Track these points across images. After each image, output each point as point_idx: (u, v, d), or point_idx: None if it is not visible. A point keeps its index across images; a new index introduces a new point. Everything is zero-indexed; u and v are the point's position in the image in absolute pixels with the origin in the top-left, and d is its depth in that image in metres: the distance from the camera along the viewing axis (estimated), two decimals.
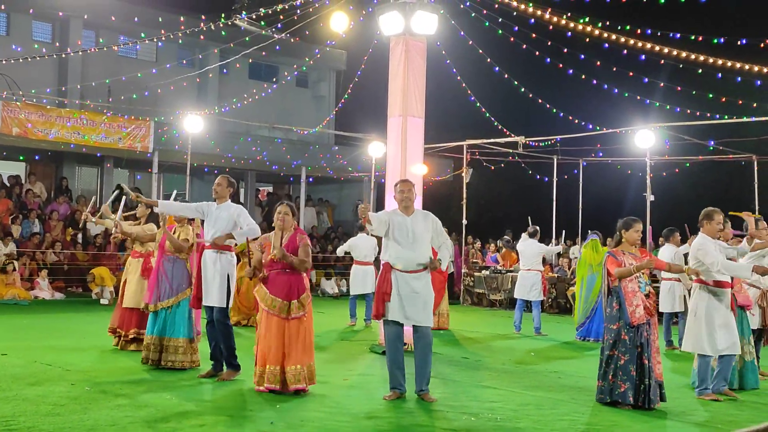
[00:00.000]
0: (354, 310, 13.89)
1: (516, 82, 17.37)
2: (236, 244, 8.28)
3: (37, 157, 21.55)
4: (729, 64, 14.91)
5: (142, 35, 19.50)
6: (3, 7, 19.41)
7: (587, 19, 14.59)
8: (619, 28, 14.67)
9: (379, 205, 13.23)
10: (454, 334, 13.05)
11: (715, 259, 7.65)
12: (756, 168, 18.74)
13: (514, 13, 14.25)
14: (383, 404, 7.09)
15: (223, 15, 16.54)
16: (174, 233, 8.65)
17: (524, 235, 14.00)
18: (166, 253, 8.62)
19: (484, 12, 14.26)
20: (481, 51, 15.65)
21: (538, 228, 13.86)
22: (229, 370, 8.03)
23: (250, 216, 8.29)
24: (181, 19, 19.47)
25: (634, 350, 7.19)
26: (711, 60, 14.91)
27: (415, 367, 7.34)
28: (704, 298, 7.83)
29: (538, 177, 22.87)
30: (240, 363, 8.06)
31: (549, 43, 15.72)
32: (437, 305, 11.72)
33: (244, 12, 16.46)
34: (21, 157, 21.66)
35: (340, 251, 14.51)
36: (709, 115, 17.11)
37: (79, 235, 19.35)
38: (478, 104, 17.65)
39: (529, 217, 14.21)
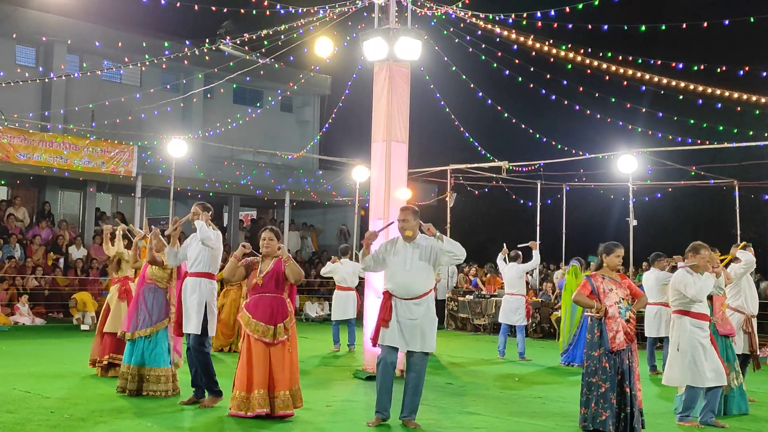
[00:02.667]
0: (337, 336, 13.80)
1: (499, 108, 17.46)
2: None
3: (18, 182, 21.41)
4: (709, 90, 15.05)
5: (126, 60, 19.45)
6: None
7: (569, 46, 14.72)
8: (600, 54, 14.80)
9: (363, 230, 13.18)
10: (438, 359, 12.98)
11: (688, 291, 7.71)
12: (737, 193, 18.87)
13: (497, 40, 14.37)
14: (367, 431, 7.02)
15: (207, 40, 16.55)
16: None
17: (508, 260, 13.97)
18: (147, 282, 8.55)
19: (468, 38, 14.36)
20: (464, 77, 15.74)
21: (519, 252, 13.87)
22: (211, 397, 7.95)
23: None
24: (165, 44, 19.49)
25: (615, 377, 7.11)
26: (692, 86, 15.05)
27: (405, 393, 7.27)
28: (686, 329, 7.80)
29: (522, 202, 22.96)
30: (222, 389, 7.98)
31: (532, 69, 15.84)
32: None
33: (228, 37, 16.45)
34: (2, 182, 21.52)
35: (323, 272, 14.45)
36: (690, 140, 17.25)
37: (61, 260, 19.18)
38: (461, 129, 17.72)
39: (504, 244, 14.20)
